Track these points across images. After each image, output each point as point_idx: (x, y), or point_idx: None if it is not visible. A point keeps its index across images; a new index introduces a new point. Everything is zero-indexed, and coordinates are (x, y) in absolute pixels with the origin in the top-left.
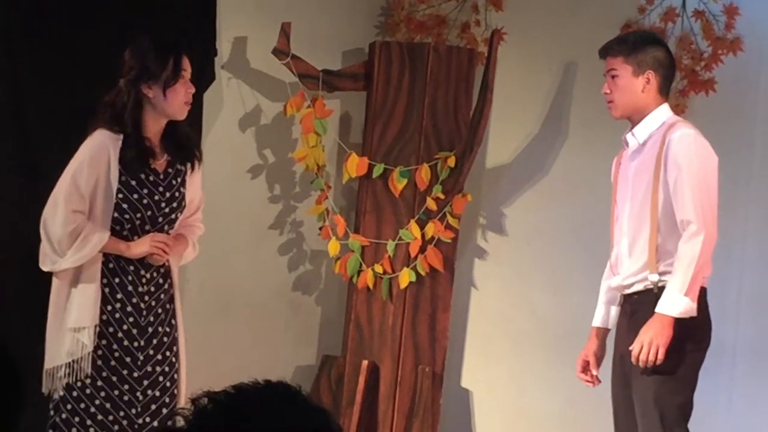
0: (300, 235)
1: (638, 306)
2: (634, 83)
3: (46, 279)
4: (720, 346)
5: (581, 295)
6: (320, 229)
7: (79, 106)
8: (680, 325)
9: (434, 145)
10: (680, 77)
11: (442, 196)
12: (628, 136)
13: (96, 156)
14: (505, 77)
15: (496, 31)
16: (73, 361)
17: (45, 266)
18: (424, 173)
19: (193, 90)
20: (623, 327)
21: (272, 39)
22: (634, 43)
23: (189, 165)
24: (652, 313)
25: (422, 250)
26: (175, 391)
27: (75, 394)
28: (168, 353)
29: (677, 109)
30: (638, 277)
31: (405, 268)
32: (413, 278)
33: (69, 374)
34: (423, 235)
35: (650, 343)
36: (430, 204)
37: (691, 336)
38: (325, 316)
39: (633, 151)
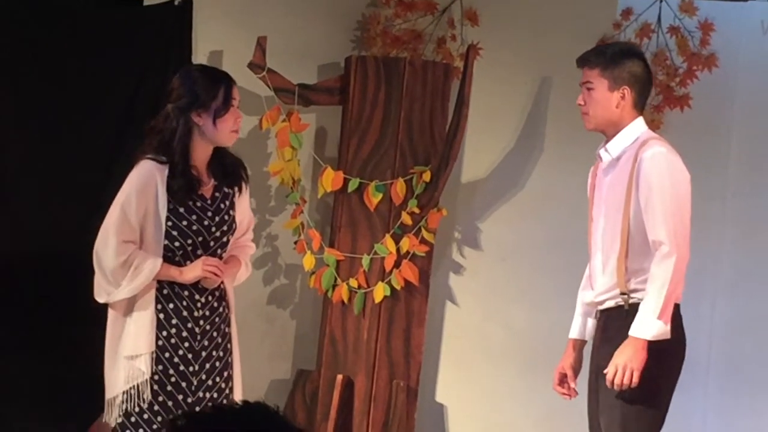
0: (275, 248)
1: (610, 322)
2: (608, 97)
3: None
4: (694, 362)
5: (557, 310)
6: (295, 243)
7: (54, 122)
8: (655, 344)
9: (410, 159)
10: (655, 93)
11: (417, 211)
12: (602, 152)
13: (144, 186)
14: (481, 92)
15: (472, 46)
16: (130, 387)
17: (100, 298)
18: (399, 188)
19: (241, 118)
20: (597, 341)
21: (248, 53)
22: (611, 57)
23: (236, 188)
24: (622, 329)
25: (397, 264)
26: None
27: (133, 419)
28: (218, 379)
29: (652, 125)
30: (610, 294)
31: (380, 283)
32: (388, 293)
33: (127, 401)
34: (398, 250)
35: (624, 366)
36: (405, 218)
37: (666, 355)
38: (300, 331)
39: (607, 165)
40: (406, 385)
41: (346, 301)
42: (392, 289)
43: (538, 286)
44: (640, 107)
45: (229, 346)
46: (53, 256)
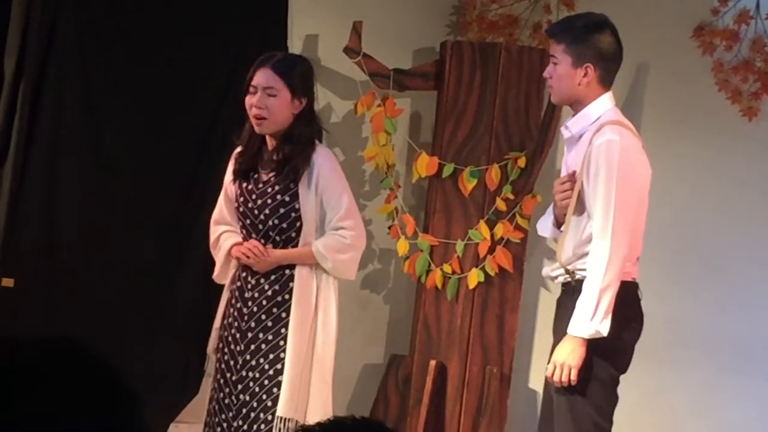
0: (369, 233)
1: (563, 298)
2: (571, 74)
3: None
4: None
5: (650, 299)
6: (389, 228)
7: (149, 105)
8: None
9: (505, 145)
10: (753, 80)
11: (511, 197)
12: (563, 128)
13: (228, 169)
14: None
15: None
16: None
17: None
18: (494, 173)
19: (258, 107)
20: (555, 318)
21: (344, 37)
22: (577, 33)
23: (294, 177)
24: (571, 308)
25: (491, 250)
26: (264, 397)
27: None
28: (262, 360)
29: (749, 112)
30: (560, 270)
31: (474, 269)
32: (482, 278)
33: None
34: (492, 236)
35: (562, 364)
36: (500, 204)
37: (616, 335)
38: (393, 316)
39: (568, 140)
40: (500, 372)
41: (439, 286)
42: (486, 275)
43: None
44: (606, 84)
45: (283, 331)
46: (148, 244)
